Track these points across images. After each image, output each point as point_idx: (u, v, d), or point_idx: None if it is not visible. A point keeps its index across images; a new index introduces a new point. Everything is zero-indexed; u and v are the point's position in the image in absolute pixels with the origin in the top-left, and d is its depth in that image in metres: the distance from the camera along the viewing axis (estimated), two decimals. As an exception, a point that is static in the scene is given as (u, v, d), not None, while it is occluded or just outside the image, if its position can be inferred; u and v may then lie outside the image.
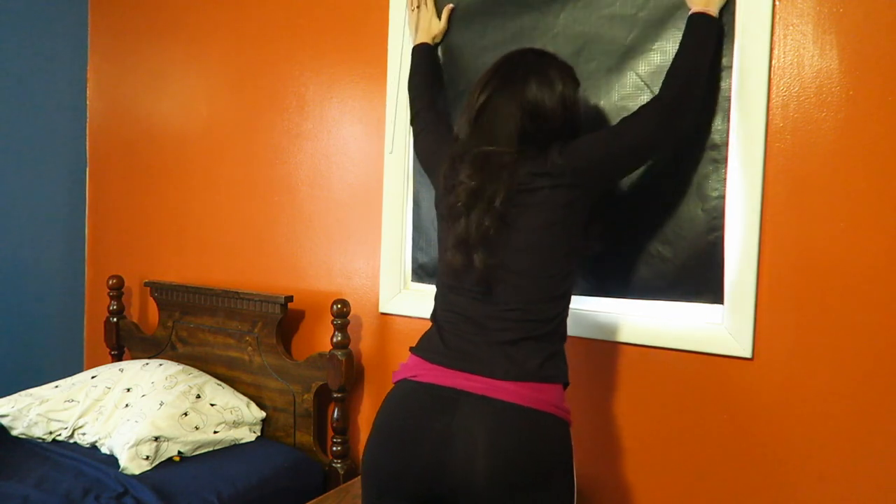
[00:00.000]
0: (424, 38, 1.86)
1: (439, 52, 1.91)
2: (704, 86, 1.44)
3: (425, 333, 1.37)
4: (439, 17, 1.89)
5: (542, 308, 1.27)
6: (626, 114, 1.60)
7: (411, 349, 1.36)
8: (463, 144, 1.36)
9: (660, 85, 1.57)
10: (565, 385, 1.29)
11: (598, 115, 1.66)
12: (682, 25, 1.54)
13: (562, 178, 1.27)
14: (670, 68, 1.39)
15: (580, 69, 1.67)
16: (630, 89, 1.62)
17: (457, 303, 1.31)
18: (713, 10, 1.43)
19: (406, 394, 1.28)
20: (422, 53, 1.84)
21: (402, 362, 1.35)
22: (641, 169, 1.60)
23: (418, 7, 1.90)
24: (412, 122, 1.73)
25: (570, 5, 1.70)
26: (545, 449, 1.21)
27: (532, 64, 1.37)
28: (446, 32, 1.90)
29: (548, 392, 1.23)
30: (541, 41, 1.73)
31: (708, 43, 1.42)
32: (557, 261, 1.29)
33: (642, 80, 1.61)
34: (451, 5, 1.88)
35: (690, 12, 1.45)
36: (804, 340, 1.45)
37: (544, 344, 1.26)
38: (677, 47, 1.43)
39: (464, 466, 1.17)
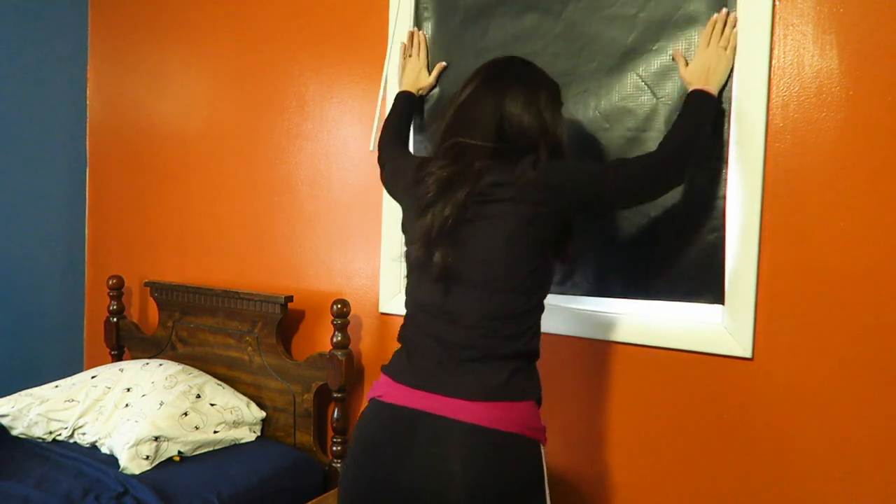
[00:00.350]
0: (409, 87, 1.86)
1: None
2: (697, 156, 1.43)
3: (396, 352, 1.35)
4: (430, 71, 1.88)
5: (505, 325, 1.22)
6: (627, 115, 1.62)
7: (382, 368, 1.34)
8: (440, 138, 1.34)
9: (660, 85, 1.58)
10: (538, 402, 1.25)
11: (599, 116, 1.66)
12: (683, 26, 1.55)
13: (531, 192, 1.22)
14: (668, 132, 1.38)
15: (581, 69, 1.68)
16: (630, 89, 1.62)
17: (423, 322, 1.28)
18: (712, 89, 1.43)
19: (373, 415, 1.28)
20: (403, 100, 1.83)
21: (374, 381, 1.35)
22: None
23: (410, 56, 1.90)
24: (378, 160, 1.71)
25: (572, 6, 1.70)
26: (513, 472, 1.18)
27: (519, 71, 1.35)
28: (433, 87, 1.90)
29: (516, 411, 1.19)
30: (542, 42, 1.73)
31: (704, 116, 1.41)
32: (520, 277, 1.23)
33: (643, 81, 1.61)
34: (443, 63, 1.87)
35: (690, 89, 1.44)
36: (804, 340, 1.45)
37: (511, 361, 1.22)
38: (677, 117, 1.41)
39: (431, 490, 1.16)
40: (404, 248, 1.37)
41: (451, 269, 1.23)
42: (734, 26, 1.48)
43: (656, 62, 1.59)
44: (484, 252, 1.22)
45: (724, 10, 1.48)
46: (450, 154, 1.28)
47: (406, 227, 1.38)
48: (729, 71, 1.47)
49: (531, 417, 1.21)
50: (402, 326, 1.36)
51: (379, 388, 1.30)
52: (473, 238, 1.23)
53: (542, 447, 1.23)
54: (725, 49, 1.46)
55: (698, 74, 1.45)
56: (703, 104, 1.41)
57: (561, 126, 1.34)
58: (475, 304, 1.23)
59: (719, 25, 1.47)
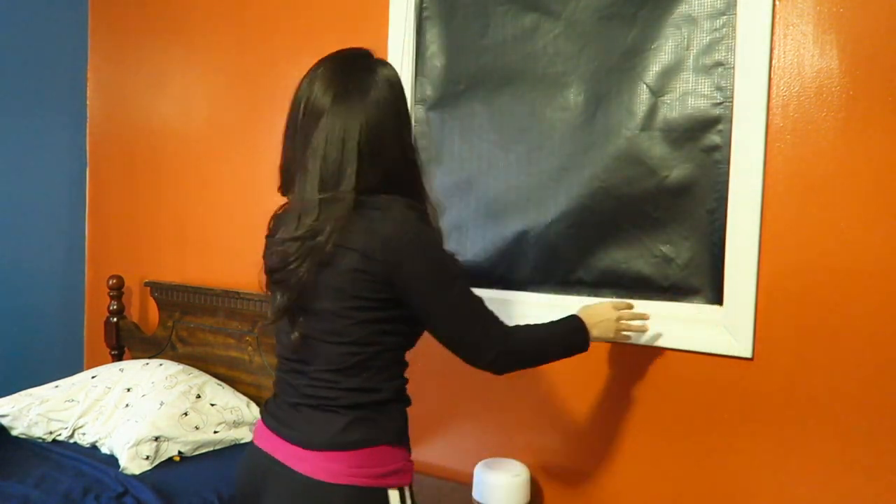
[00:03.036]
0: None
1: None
2: (539, 363, 1.34)
3: None
4: None
5: (344, 378, 1.14)
6: (626, 115, 1.62)
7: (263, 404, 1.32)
8: (287, 172, 1.20)
9: (659, 84, 1.58)
10: (394, 444, 1.17)
11: (599, 116, 1.66)
12: (681, 24, 1.56)
13: (373, 243, 1.10)
14: (533, 328, 1.29)
15: (581, 70, 1.68)
16: (630, 89, 1.62)
17: (282, 365, 1.24)
18: (592, 332, 1.36)
19: (243, 459, 1.28)
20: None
21: None
22: (642, 169, 1.60)
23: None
24: None
25: (572, 6, 1.70)
26: None
27: (366, 77, 1.15)
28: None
29: (351, 460, 1.11)
30: (542, 41, 1.74)
31: (569, 341, 1.34)
32: (351, 329, 1.13)
33: (642, 80, 1.61)
34: None
35: (577, 312, 1.39)
36: (804, 340, 1.45)
37: (352, 410, 1.14)
38: (550, 322, 1.33)
39: None
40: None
41: (307, 327, 1.18)
42: (642, 327, 1.55)
43: (655, 61, 1.59)
44: (320, 302, 1.14)
45: (645, 317, 1.54)
46: (294, 211, 1.15)
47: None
48: (607, 340, 1.45)
49: (376, 464, 1.13)
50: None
51: (256, 426, 1.28)
52: (316, 288, 1.14)
53: (390, 492, 1.15)
54: (620, 331, 1.45)
55: (592, 316, 1.39)
56: (576, 333, 1.35)
57: (414, 146, 1.22)
58: (318, 356, 1.16)
59: (632, 315, 1.48)
